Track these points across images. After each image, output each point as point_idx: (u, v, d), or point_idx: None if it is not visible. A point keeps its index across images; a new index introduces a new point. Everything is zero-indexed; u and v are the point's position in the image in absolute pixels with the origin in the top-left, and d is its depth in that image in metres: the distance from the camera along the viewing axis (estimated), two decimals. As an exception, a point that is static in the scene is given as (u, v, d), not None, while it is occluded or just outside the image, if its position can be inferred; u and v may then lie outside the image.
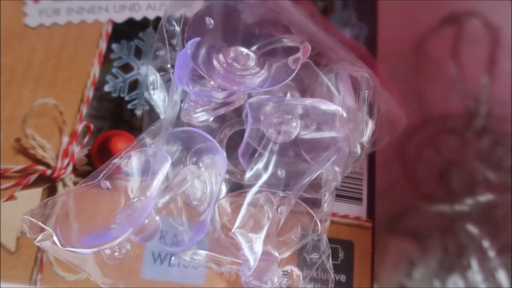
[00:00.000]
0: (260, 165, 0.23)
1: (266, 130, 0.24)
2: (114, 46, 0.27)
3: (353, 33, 0.31)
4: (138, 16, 0.28)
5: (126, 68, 0.27)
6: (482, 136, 0.41)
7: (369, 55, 0.31)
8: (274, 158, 0.24)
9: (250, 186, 0.23)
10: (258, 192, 0.23)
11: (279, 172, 0.24)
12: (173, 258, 0.23)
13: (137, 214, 0.20)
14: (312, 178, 0.24)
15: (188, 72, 0.24)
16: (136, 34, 0.28)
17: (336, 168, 0.25)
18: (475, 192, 0.36)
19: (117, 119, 0.26)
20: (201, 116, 0.23)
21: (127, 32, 0.28)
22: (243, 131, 0.24)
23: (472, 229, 0.33)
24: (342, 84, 0.26)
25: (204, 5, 0.26)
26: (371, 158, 0.29)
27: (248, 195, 0.22)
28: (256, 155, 0.23)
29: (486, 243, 0.32)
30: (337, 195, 0.27)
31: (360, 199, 0.28)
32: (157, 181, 0.21)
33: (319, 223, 0.23)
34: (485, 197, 0.34)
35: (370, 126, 0.27)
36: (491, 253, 0.32)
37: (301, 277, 0.22)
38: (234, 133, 0.26)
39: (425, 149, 0.42)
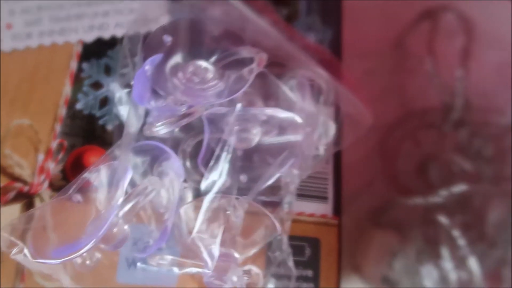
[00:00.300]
0: (216, 172, 0.24)
1: (227, 138, 0.26)
2: (84, 65, 0.29)
3: (318, 37, 0.32)
4: (106, 35, 0.29)
5: (96, 85, 0.29)
6: (460, 128, 0.42)
7: (333, 58, 0.33)
8: (234, 165, 0.25)
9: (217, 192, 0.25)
10: (220, 197, 0.25)
11: (241, 177, 0.26)
12: (138, 264, 0.24)
13: (100, 224, 0.22)
14: (270, 182, 0.26)
15: (149, 89, 0.25)
16: (105, 52, 0.29)
17: (295, 171, 0.26)
18: (451, 183, 0.37)
19: (89, 135, 0.28)
20: (162, 129, 0.24)
21: (97, 51, 0.29)
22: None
23: (444, 219, 0.34)
24: (301, 90, 0.28)
25: (161, 23, 0.27)
26: (337, 158, 0.30)
27: (204, 201, 0.23)
28: (212, 163, 0.24)
29: (456, 232, 0.33)
30: (303, 195, 0.29)
31: (325, 198, 0.29)
32: (119, 192, 0.23)
33: (277, 224, 0.24)
34: (459, 188, 0.35)
35: (332, 128, 0.29)
36: (462, 242, 0.33)
37: (261, 275, 0.24)
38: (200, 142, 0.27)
39: (405, 144, 0.43)
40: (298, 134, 0.26)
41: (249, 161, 0.26)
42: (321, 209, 0.29)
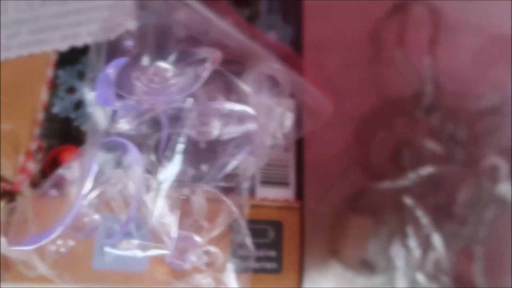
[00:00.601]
0: (173, 163, 0.26)
1: (187, 132, 0.28)
2: (60, 72, 0.32)
3: (279, 35, 0.35)
4: (79, 43, 0.32)
5: (71, 90, 0.31)
6: (432, 114, 0.44)
7: (293, 53, 0.35)
8: (195, 156, 0.28)
9: (182, 182, 0.27)
10: (181, 185, 0.27)
11: (202, 167, 0.28)
12: (107, 249, 0.27)
13: (67, 213, 0.24)
14: (228, 170, 0.28)
15: (113, 91, 0.28)
16: (78, 59, 0.32)
17: (251, 159, 0.28)
18: (420, 166, 0.39)
19: (65, 136, 0.30)
20: (124, 126, 0.27)
21: (71, 58, 0.32)
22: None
23: (409, 200, 0.36)
24: (258, 84, 0.30)
25: (126, 29, 0.30)
26: (299, 144, 0.32)
27: (163, 189, 0.25)
28: (170, 154, 0.27)
29: (420, 212, 0.35)
30: (266, 182, 0.31)
31: (287, 184, 0.31)
32: (85, 184, 0.25)
33: (235, 209, 0.27)
34: (426, 170, 0.37)
35: (288, 118, 0.31)
36: (425, 220, 0.35)
37: (220, 254, 0.26)
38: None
39: (380, 132, 0.45)
40: (253, 125, 0.28)
41: (210, 152, 0.29)
42: (284, 194, 0.31)
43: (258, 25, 0.35)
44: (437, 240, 0.34)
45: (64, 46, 0.32)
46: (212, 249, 0.26)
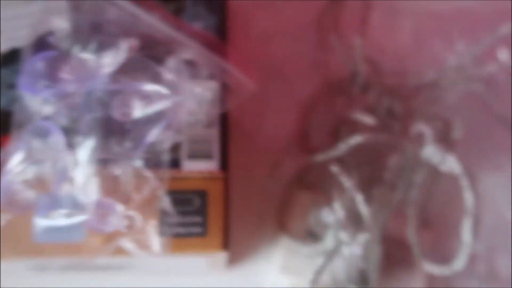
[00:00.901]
0: (93, 141, 0.30)
1: (110, 113, 0.31)
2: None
3: (204, 25, 0.38)
4: (19, 44, 0.35)
5: (11, 86, 0.34)
6: (367, 91, 0.47)
7: (217, 40, 0.38)
8: (119, 135, 0.31)
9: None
10: (105, 161, 0.30)
11: (126, 144, 0.32)
12: (39, 220, 0.30)
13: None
14: (147, 145, 0.31)
15: (39, 80, 0.31)
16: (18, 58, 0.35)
17: (170, 134, 0.32)
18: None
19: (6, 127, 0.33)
20: (49, 110, 0.30)
21: (11, 58, 0.35)
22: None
23: (335, 168, 0.39)
24: (177, 68, 0.33)
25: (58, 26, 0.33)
26: (224, 118, 0.35)
27: (86, 165, 0.29)
28: (92, 134, 0.30)
29: (344, 178, 0.38)
30: (192, 156, 0.34)
31: (211, 157, 0.34)
32: (11, 163, 0.28)
33: (155, 181, 0.30)
34: (355, 140, 0.40)
35: (207, 97, 0.34)
36: (348, 184, 0.37)
37: (139, 217, 0.29)
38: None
39: (321, 112, 0.48)
40: (168, 103, 0.31)
41: (131, 130, 0.32)
42: (208, 166, 0.34)
43: (184, 17, 0.38)
44: (359, 200, 0.37)
45: (4, 47, 0.35)
46: (131, 213, 0.29)
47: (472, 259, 0.46)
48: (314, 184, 0.44)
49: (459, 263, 0.38)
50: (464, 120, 0.46)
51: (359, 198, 0.37)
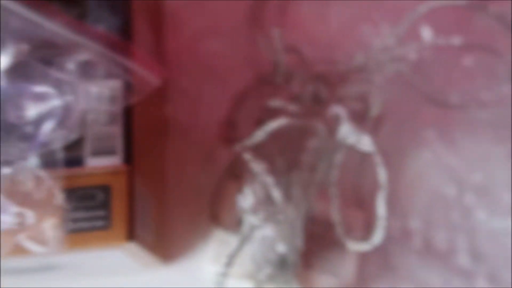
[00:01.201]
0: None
1: (5, 116, 0.32)
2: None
3: (107, 27, 0.39)
4: None
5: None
6: (291, 81, 0.48)
7: (122, 40, 0.39)
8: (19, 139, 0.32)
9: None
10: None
11: (21, 145, 0.33)
12: None
13: None
14: (41, 145, 0.32)
15: None
16: None
17: (64, 133, 0.33)
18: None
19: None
20: None
21: None
22: None
23: (247, 155, 0.39)
24: (75, 69, 0.34)
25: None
26: (127, 115, 0.36)
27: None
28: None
29: (255, 164, 0.39)
30: (95, 152, 0.35)
31: (115, 152, 0.35)
32: None
33: (49, 179, 0.31)
34: (270, 126, 0.41)
35: (104, 95, 0.35)
36: (257, 169, 0.38)
37: (30, 214, 0.30)
38: None
39: (251, 105, 0.49)
40: (60, 103, 0.32)
41: (25, 131, 0.33)
42: (112, 161, 0.35)
43: (87, 20, 0.39)
44: (270, 184, 0.37)
45: None
46: (22, 210, 0.30)
47: (409, 234, 0.47)
48: (241, 174, 0.45)
49: (377, 237, 0.38)
50: (392, 100, 0.47)
51: (270, 181, 0.37)
